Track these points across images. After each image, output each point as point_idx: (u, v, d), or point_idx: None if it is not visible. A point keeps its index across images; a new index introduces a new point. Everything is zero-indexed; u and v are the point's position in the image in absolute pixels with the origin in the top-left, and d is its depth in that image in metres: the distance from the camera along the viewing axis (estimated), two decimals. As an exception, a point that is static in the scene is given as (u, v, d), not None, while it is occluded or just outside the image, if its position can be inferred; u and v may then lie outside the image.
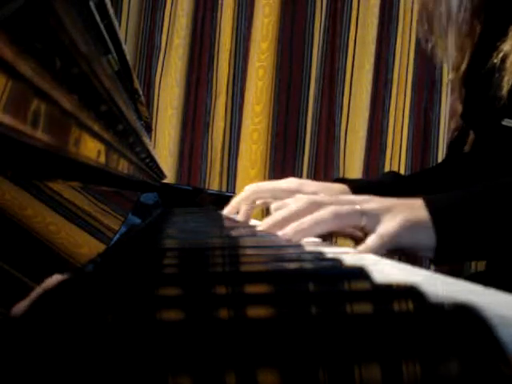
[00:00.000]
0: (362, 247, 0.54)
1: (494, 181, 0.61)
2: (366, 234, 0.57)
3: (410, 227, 0.55)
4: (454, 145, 0.91)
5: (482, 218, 0.57)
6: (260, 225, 0.63)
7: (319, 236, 0.59)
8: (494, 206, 0.57)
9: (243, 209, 0.81)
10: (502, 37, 0.69)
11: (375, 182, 0.90)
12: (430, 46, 0.84)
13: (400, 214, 0.55)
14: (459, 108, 0.83)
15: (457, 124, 0.87)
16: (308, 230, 0.56)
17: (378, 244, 0.54)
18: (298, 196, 0.62)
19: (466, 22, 0.78)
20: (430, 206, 0.56)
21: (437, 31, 0.81)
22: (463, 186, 0.62)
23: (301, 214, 0.57)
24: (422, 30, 0.85)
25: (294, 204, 0.60)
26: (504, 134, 0.70)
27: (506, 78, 0.66)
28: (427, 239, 0.56)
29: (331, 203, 0.58)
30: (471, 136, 0.83)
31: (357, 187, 0.81)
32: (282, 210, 0.60)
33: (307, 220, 0.56)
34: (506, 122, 0.68)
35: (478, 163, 0.82)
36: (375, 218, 0.56)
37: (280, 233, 0.57)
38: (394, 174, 0.93)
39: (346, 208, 0.57)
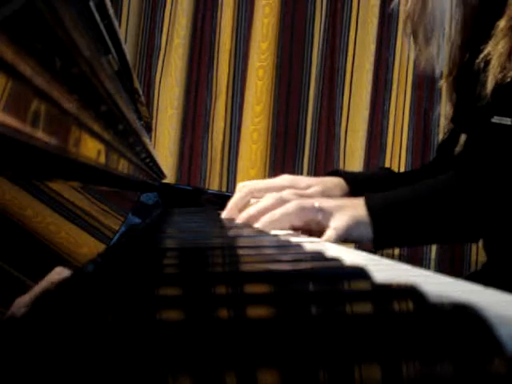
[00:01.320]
0: (324, 237, 0.66)
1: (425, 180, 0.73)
2: (321, 230, 0.69)
3: (356, 222, 0.68)
4: (442, 147, 0.94)
5: (410, 213, 0.70)
6: (238, 218, 0.75)
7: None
8: (419, 202, 0.70)
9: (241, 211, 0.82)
10: (487, 39, 0.71)
11: (369, 175, 0.96)
12: (414, 54, 0.87)
13: (348, 212, 0.68)
14: (450, 111, 0.85)
15: (446, 126, 0.90)
16: (278, 222, 0.68)
17: (334, 235, 0.66)
18: (269, 194, 0.74)
19: (457, 33, 0.81)
20: (367, 204, 0.69)
21: (421, 41, 0.84)
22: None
23: (270, 208, 0.70)
24: (406, 39, 0.88)
25: (264, 201, 0.72)
26: (495, 132, 0.72)
27: (489, 78, 0.70)
28: (367, 231, 0.69)
29: (295, 199, 0.70)
30: (463, 138, 0.85)
31: (351, 179, 0.88)
32: (254, 206, 0.73)
33: (277, 212, 0.69)
34: (496, 120, 0.72)
35: (469, 162, 0.83)
36: (329, 214, 0.68)
37: (256, 225, 0.68)
38: (389, 171, 0.97)
39: (307, 203, 0.69)
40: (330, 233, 0.66)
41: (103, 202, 0.55)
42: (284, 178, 0.86)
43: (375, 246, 0.71)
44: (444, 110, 2.08)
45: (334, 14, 2.11)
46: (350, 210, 0.68)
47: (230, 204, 0.84)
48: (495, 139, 0.73)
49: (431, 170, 0.94)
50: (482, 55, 0.72)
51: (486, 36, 0.72)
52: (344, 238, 0.67)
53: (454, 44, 0.82)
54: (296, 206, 0.68)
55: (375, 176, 0.93)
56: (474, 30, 0.79)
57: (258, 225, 0.68)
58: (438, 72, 0.86)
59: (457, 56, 0.82)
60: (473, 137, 0.81)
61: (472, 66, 0.74)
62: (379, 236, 0.69)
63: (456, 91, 0.83)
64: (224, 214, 0.85)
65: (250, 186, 0.84)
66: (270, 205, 0.71)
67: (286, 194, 0.74)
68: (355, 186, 0.85)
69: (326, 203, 0.69)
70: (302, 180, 0.86)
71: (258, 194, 0.82)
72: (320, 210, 0.68)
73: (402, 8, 0.87)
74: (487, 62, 0.71)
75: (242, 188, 0.84)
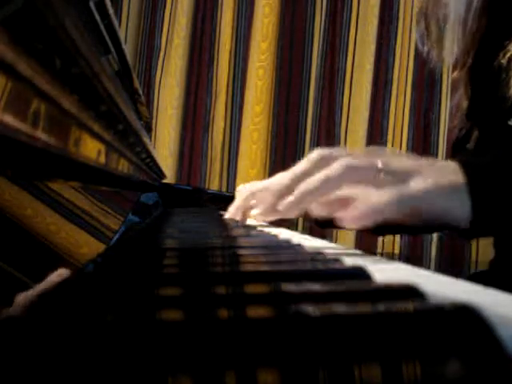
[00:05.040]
0: (373, 200, 0.45)
1: None
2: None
3: (443, 190, 0.47)
4: (458, 145, 0.90)
5: None
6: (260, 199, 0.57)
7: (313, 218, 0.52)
8: None
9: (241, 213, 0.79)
10: (510, 35, 0.68)
11: None
12: (426, 49, 0.84)
13: (429, 176, 0.47)
14: (464, 105, 0.82)
15: (462, 122, 0.86)
16: (317, 191, 0.47)
17: (394, 199, 0.44)
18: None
19: (473, 21, 0.77)
20: (466, 169, 0.48)
21: (434, 34, 0.81)
22: None
23: (305, 172, 0.50)
24: (419, 32, 0.84)
25: (302, 164, 0.51)
26: (509, 134, 0.69)
27: None
28: (460, 207, 0.47)
29: (343, 156, 0.49)
30: (475, 133, 0.82)
31: None
32: (280, 176, 0.54)
33: (316, 178, 0.47)
34: None
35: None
36: (397, 177, 0.47)
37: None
38: None
39: (363, 163, 0.48)
40: (384, 195, 0.45)
41: (103, 202, 0.55)
42: (283, 176, 0.80)
43: (471, 230, 0.49)
44: (444, 110, 2.07)
45: (333, 14, 2.11)
46: (434, 174, 0.48)
47: (232, 208, 0.82)
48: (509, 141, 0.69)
49: None
50: (508, 54, 0.65)
51: (506, 28, 0.69)
52: (411, 213, 0.46)
53: (469, 33, 0.79)
54: (343, 168, 0.47)
55: None
56: (494, 17, 0.76)
57: (289, 199, 0.49)
58: (450, 66, 0.83)
59: (472, 45, 0.79)
60: (486, 135, 0.79)
61: (491, 60, 0.71)
62: (481, 214, 0.47)
63: (471, 85, 0.80)
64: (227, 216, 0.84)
65: (250, 187, 0.81)
66: (304, 169, 0.50)
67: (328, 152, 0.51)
68: None
69: (396, 162, 0.48)
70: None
71: (259, 194, 0.80)
72: (384, 171, 0.47)
73: (416, 2, 0.85)
74: (510, 61, 0.65)
75: (242, 190, 0.81)
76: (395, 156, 0.50)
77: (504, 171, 0.49)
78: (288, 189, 0.51)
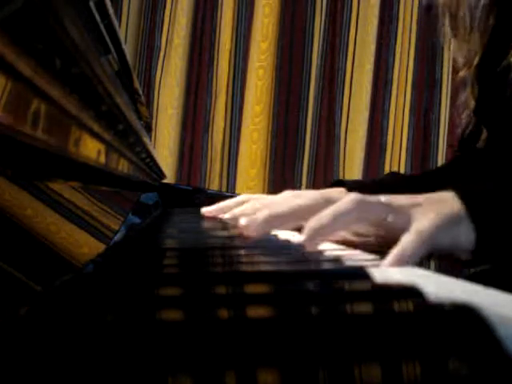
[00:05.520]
0: (400, 247, 0.44)
1: None
2: (391, 238, 0.48)
3: (447, 222, 0.47)
4: (465, 142, 0.88)
5: None
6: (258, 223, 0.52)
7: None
8: None
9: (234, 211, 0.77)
10: None
11: (377, 182, 0.84)
12: (452, 48, 0.82)
13: (432, 208, 0.47)
14: (472, 104, 0.80)
15: (469, 120, 0.84)
16: (329, 227, 0.46)
17: (419, 242, 0.44)
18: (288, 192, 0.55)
19: (480, 18, 0.76)
20: (464, 197, 0.49)
21: (461, 32, 0.80)
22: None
23: (313, 208, 0.49)
24: (444, 32, 0.82)
25: (297, 200, 0.52)
26: None
27: None
28: (465, 235, 0.47)
29: (348, 195, 0.49)
30: (484, 133, 0.81)
31: (356, 189, 0.71)
32: (284, 205, 0.52)
33: (327, 213, 0.46)
34: None
35: (492, 160, 0.80)
36: (404, 213, 0.47)
37: (297, 238, 0.49)
38: (400, 175, 0.89)
39: (370, 199, 0.48)
40: (409, 238, 0.44)
41: (103, 202, 0.55)
42: (287, 194, 0.75)
43: (476, 256, 0.50)
44: (444, 110, 2.07)
45: (334, 14, 2.11)
46: (435, 206, 0.48)
47: (221, 204, 0.80)
48: None
49: (458, 166, 0.86)
50: None
51: None
52: (431, 247, 0.46)
53: (477, 30, 0.78)
54: (353, 202, 0.47)
55: (384, 182, 0.81)
56: (502, 15, 0.75)
57: (304, 234, 0.46)
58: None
59: (480, 43, 0.78)
60: (495, 135, 0.78)
61: (499, 59, 0.70)
62: (484, 239, 0.48)
63: (479, 83, 0.79)
64: (206, 211, 0.81)
65: (252, 199, 0.77)
66: (311, 204, 0.51)
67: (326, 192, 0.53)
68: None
69: (396, 199, 0.49)
70: (305, 194, 0.75)
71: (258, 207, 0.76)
72: (389, 207, 0.47)
73: (439, 1, 0.83)
74: None
75: (244, 198, 0.78)
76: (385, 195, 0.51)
77: (505, 198, 0.49)
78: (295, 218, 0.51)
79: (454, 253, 0.49)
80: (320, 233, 0.45)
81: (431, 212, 0.47)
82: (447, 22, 0.80)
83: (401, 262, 0.42)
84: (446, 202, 0.48)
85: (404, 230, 0.46)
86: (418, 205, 0.48)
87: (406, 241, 0.44)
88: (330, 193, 0.68)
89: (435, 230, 0.45)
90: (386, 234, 0.49)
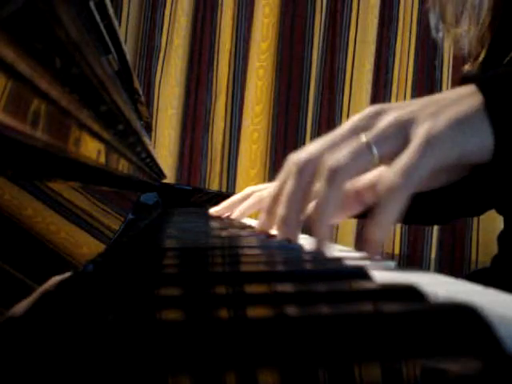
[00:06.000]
0: (395, 167, 0.36)
1: None
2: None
3: (461, 124, 0.38)
4: None
5: None
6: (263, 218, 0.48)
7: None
8: None
9: (240, 208, 0.79)
10: None
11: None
12: (440, 35, 0.81)
13: (443, 111, 0.39)
14: None
15: None
16: (328, 207, 0.39)
17: (421, 159, 0.36)
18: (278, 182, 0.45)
19: (487, 11, 0.75)
20: (480, 85, 0.40)
21: (449, 20, 0.79)
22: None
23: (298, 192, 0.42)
24: (433, 18, 0.81)
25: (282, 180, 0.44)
26: None
27: None
28: (481, 136, 0.39)
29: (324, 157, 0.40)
30: None
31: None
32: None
33: (321, 200, 0.39)
34: None
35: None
36: (408, 127, 0.38)
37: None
38: None
39: (345, 152, 0.39)
40: (385, 195, 0.36)
41: (103, 202, 0.55)
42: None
43: (495, 162, 0.39)
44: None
45: (333, 14, 2.11)
46: (446, 109, 0.39)
47: (226, 202, 0.82)
48: None
49: None
50: None
51: None
52: (443, 160, 0.37)
53: (482, 25, 0.77)
54: (331, 169, 0.38)
55: None
56: (508, 10, 0.75)
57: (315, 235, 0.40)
58: (465, 53, 0.80)
59: (486, 38, 0.77)
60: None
61: (505, 54, 0.69)
62: (506, 140, 0.38)
63: None
64: (214, 211, 0.83)
65: (256, 192, 0.78)
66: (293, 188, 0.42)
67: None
68: None
69: (382, 121, 0.40)
70: None
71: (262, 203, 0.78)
72: (375, 142, 0.39)
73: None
74: None
75: (248, 191, 0.80)
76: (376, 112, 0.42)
77: None
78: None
79: (473, 159, 0.40)
80: (323, 215, 0.39)
81: (440, 118, 0.38)
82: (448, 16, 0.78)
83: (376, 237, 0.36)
84: (458, 99, 0.40)
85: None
86: (425, 109, 0.39)
87: (403, 160, 0.36)
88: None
89: (444, 137, 0.37)
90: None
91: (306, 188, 0.42)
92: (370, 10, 2.09)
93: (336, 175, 0.38)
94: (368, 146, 0.39)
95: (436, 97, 0.41)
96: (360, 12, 2.10)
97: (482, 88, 0.40)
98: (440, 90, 2.09)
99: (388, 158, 0.39)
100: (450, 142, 0.38)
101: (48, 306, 0.22)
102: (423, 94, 2.14)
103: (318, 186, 0.40)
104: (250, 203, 0.77)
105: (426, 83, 2.10)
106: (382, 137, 0.39)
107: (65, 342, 0.16)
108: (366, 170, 0.41)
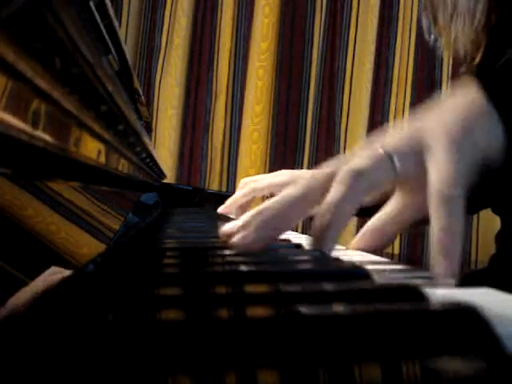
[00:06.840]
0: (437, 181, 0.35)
1: None
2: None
3: (469, 125, 0.38)
4: None
5: None
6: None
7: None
8: None
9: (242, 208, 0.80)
10: None
11: None
12: (432, 38, 0.81)
13: (445, 113, 0.39)
14: None
15: None
16: (336, 223, 0.38)
17: (445, 208, 0.34)
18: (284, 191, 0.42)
19: (482, 14, 0.75)
20: (482, 83, 0.40)
21: (441, 23, 0.79)
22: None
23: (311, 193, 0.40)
24: (425, 21, 0.81)
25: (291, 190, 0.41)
26: None
27: None
28: (492, 132, 0.38)
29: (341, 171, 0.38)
30: None
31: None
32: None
33: (325, 208, 0.38)
34: None
35: None
36: (418, 146, 0.37)
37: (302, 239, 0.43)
38: None
39: (366, 159, 0.38)
40: (439, 174, 0.35)
41: (103, 202, 0.55)
42: (285, 174, 0.74)
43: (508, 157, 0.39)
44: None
45: (334, 14, 2.11)
46: (450, 112, 0.40)
47: (230, 200, 0.83)
48: None
49: None
50: None
51: None
52: (465, 164, 0.36)
53: (477, 27, 0.77)
54: (349, 174, 0.38)
55: None
56: (504, 11, 0.74)
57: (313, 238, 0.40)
58: (461, 55, 0.80)
59: (481, 39, 0.77)
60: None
61: (501, 56, 0.69)
62: None
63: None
64: (220, 209, 0.85)
65: (253, 185, 0.81)
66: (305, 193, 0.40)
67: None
68: None
69: (395, 136, 0.40)
70: (304, 174, 0.70)
71: (260, 192, 0.81)
72: (391, 153, 0.38)
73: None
74: None
75: (245, 185, 0.83)
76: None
77: None
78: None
79: (492, 156, 0.39)
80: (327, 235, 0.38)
81: (448, 123, 0.38)
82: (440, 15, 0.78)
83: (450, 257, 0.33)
84: (463, 101, 0.40)
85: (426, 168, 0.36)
86: (434, 127, 0.39)
87: (436, 176, 0.35)
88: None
89: (455, 145, 0.36)
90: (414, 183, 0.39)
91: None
92: (370, 9, 2.09)
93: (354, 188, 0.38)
94: (387, 155, 0.39)
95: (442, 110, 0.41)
96: (360, 12, 2.10)
97: (490, 94, 0.40)
98: (440, 89, 2.09)
99: (405, 177, 0.38)
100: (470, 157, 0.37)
101: (48, 305, 0.22)
102: (423, 92, 2.14)
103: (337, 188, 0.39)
104: (243, 192, 0.79)
105: (425, 82, 2.10)
106: (402, 148, 0.39)
107: (65, 342, 0.16)
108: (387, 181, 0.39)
